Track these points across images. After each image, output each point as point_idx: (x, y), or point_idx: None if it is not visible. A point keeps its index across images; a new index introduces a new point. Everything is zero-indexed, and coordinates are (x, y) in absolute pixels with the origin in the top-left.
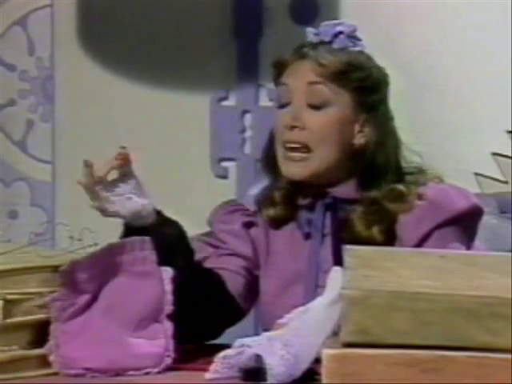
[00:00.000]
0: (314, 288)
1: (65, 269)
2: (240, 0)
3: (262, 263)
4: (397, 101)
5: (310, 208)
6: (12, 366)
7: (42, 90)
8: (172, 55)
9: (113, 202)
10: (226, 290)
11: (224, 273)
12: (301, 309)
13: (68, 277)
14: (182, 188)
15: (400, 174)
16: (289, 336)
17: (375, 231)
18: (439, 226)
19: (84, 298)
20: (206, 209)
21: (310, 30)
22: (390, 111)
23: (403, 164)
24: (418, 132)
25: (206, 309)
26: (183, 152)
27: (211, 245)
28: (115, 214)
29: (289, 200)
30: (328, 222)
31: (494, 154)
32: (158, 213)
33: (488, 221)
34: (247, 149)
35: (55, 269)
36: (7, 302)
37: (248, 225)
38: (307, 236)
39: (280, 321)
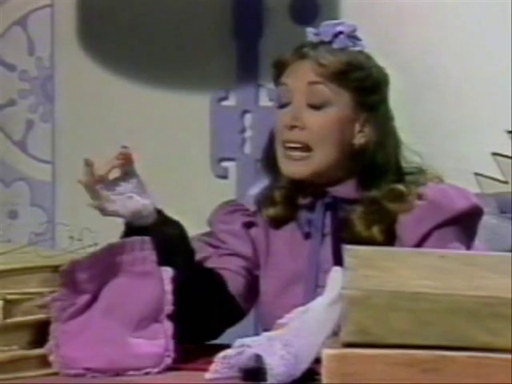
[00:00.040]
0: (314, 288)
1: (65, 269)
2: (240, 0)
3: (262, 263)
4: (397, 101)
5: (310, 208)
6: (12, 366)
7: (42, 90)
8: (172, 55)
9: (113, 201)
10: (226, 290)
11: (224, 273)
12: (301, 309)
13: (68, 277)
14: (182, 188)
15: (400, 174)
16: (289, 336)
17: (375, 231)
18: (439, 226)
19: (84, 298)
20: (206, 209)
21: (310, 30)
22: (390, 111)
23: (403, 164)
24: (417, 132)
25: (206, 309)
26: (183, 152)
27: (211, 245)
28: (115, 214)
29: (289, 200)
30: (328, 221)
31: (494, 153)
32: (159, 212)
33: (488, 221)
34: (247, 149)
35: (55, 269)
36: (7, 301)
37: (248, 225)
38: (307, 236)
39: (280, 321)
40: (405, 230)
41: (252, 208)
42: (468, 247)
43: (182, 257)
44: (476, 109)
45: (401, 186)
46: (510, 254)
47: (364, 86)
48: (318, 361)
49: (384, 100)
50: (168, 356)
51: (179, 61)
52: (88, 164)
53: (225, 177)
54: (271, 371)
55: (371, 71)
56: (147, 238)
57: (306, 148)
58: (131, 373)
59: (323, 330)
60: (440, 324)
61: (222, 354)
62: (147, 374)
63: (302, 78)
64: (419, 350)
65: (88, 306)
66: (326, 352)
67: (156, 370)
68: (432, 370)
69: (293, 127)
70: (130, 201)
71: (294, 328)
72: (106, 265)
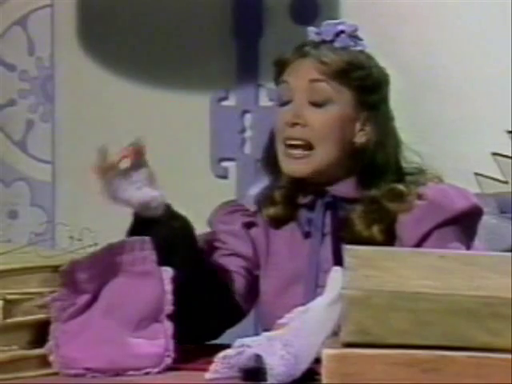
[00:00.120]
0: (314, 288)
1: (65, 269)
2: (240, 0)
3: (262, 263)
4: (397, 101)
5: (310, 207)
6: (12, 366)
7: (42, 90)
8: (172, 55)
9: (124, 190)
10: (226, 290)
11: (224, 273)
12: (301, 309)
13: (68, 277)
14: (182, 188)
15: (400, 174)
16: (289, 336)
17: (375, 231)
18: (439, 226)
19: (84, 298)
20: (206, 209)
21: (311, 29)
22: (391, 111)
23: (403, 164)
24: (418, 132)
25: (206, 309)
26: (183, 152)
27: (211, 245)
28: (124, 202)
29: (289, 199)
30: (328, 221)
31: (494, 153)
32: (168, 206)
33: (488, 221)
34: (247, 149)
35: (55, 269)
36: (7, 301)
37: (248, 225)
38: (307, 235)
39: (280, 321)
40: (405, 230)
41: (252, 208)
42: (468, 247)
43: (187, 252)
44: (476, 109)
45: (401, 186)
46: (509, 253)
47: (365, 84)
48: (317, 361)
49: (385, 100)
50: (168, 356)
51: (179, 61)
52: (102, 151)
53: (225, 177)
54: (271, 371)
55: (372, 71)
56: (147, 238)
57: (307, 146)
58: (131, 373)
59: (323, 330)
60: (440, 324)
61: (222, 354)
62: (147, 373)
63: (303, 76)
64: (419, 350)
65: (88, 306)
66: (326, 352)
67: (156, 369)
68: (432, 369)
69: (294, 124)
70: (139, 191)
71: (294, 328)
72: (105, 265)
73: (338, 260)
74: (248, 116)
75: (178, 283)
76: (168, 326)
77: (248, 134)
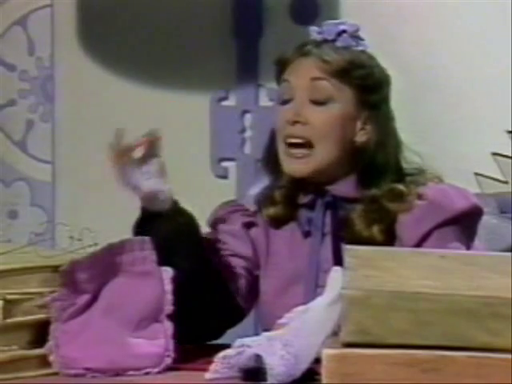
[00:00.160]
0: (314, 288)
1: (65, 269)
2: (240, 0)
3: (262, 263)
4: (397, 101)
5: (310, 207)
6: (12, 366)
7: (42, 90)
8: (172, 55)
9: (134, 178)
10: (227, 291)
11: (225, 273)
12: (301, 308)
13: (68, 277)
14: (182, 188)
15: (400, 174)
16: (289, 336)
17: (375, 230)
18: (439, 226)
19: (84, 298)
20: (206, 209)
21: (313, 28)
22: (392, 111)
23: (404, 165)
24: (418, 132)
25: (207, 309)
26: (183, 152)
27: (211, 245)
28: (133, 190)
29: (289, 199)
30: (328, 220)
31: (494, 153)
32: (175, 202)
33: (488, 221)
34: (247, 149)
35: (55, 269)
36: (7, 301)
37: (248, 225)
38: (307, 234)
39: (280, 321)
40: (405, 230)
41: (252, 208)
42: (468, 247)
43: (191, 248)
44: (476, 109)
45: (401, 186)
46: (509, 253)
47: (366, 83)
48: (317, 361)
49: (385, 100)
50: (168, 356)
51: (179, 61)
52: (118, 134)
53: (225, 177)
54: (271, 371)
55: (373, 70)
56: (147, 238)
57: (308, 145)
58: (131, 373)
59: (323, 330)
60: (440, 324)
61: (221, 354)
62: (147, 373)
63: (304, 74)
64: (419, 350)
65: (88, 306)
66: (326, 352)
67: (156, 370)
68: (432, 369)
69: (295, 122)
70: (147, 181)
71: (294, 328)
72: (105, 265)
73: (338, 260)
74: (248, 116)
75: (179, 283)
76: (168, 326)
77: (248, 133)
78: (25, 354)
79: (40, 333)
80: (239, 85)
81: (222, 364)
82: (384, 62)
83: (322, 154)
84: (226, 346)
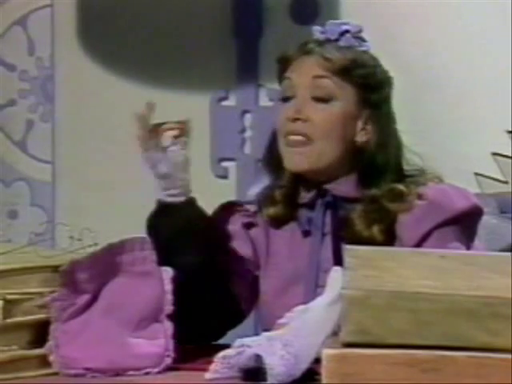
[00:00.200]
0: (314, 288)
1: (65, 269)
2: (240, 0)
3: (262, 263)
4: (397, 101)
5: (310, 206)
6: (12, 366)
7: (42, 90)
8: (172, 55)
9: (157, 161)
10: (228, 291)
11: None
12: (301, 308)
13: (68, 277)
14: None
15: (401, 175)
16: (289, 336)
17: (375, 230)
18: (439, 226)
19: (84, 298)
20: (206, 209)
21: (316, 28)
22: (393, 113)
23: (405, 166)
24: (418, 132)
25: (207, 309)
26: None
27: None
28: (154, 168)
29: (289, 199)
30: (328, 220)
31: (494, 153)
32: (192, 199)
33: (488, 221)
34: (247, 149)
35: (55, 269)
36: (7, 301)
37: (248, 225)
38: (306, 234)
39: (280, 320)
40: (405, 230)
41: (252, 208)
42: (468, 247)
43: (201, 243)
44: (476, 109)
45: (401, 186)
46: (509, 253)
47: (367, 82)
48: (317, 361)
49: (387, 100)
50: (168, 356)
51: (179, 61)
52: (149, 108)
53: (225, 177)
54: (271, 371)
55: (375, 70)
56: (147, 238)
57: (308, 141)
58: (131, 373)
59: (323, 329)
60: (440, 324)
61: (221, 353)
62: (147, 373)
63: (306, 72)
64: (419, 350)
65: (88, 306)
66: (326, 352)
67: (156, 370)
68: (432, 369)
69: (296, 120)
70: (166, 167)
71: (293, 328)
72: (105, 265)
73: (338, 260)
74: (248, 116)
75: (179, 283)
76: (168, 326)
77: (248, 133)
78: (25, 354)
79: (40, 333)
80: (239, 85)
81: (222, 364)
82: (384, 61)
83: (322, 151)
84: (226, 346)
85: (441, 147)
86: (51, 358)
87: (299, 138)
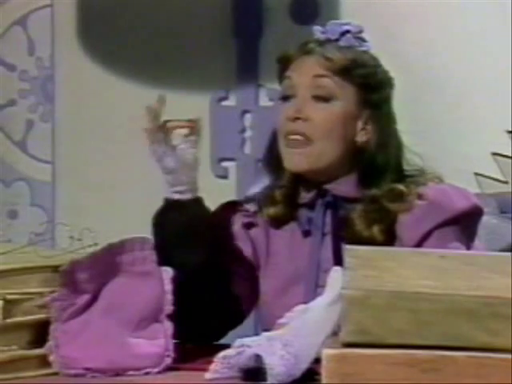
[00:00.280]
0: (315, 288)
1: (65, 269)
2: (240, 0)
3: (262, 264)
4: (397, 101)
5: (311, 206)
6: (12, 366)
7: (42, 90)
8: (172, 55)
9: (164, 155)
10: (228, 291)
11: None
12: (301, 308)
13: (68, 277)
14: None
15: (401, 175)
16: (289, 336)
17: (375, 230)
18: (439, 226)
19: (84, 298)
20: None
21: (316, 28)
22: (394, 114)
23: (405, 167)
24: (418, 132)
25: (208, 309)
26: None
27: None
28: (159, 162)
29: (289, 199)
30: (328, 220)
31: (494, 153)
32: (199, 198)
33: (488, 221)
34: (247, 149)
35: (55, 269)
36: (7, 302)
37: (248, 225)
38: (307, 233)
39: (280, 320)
40: (405, 230)
41: (252, 208)
42: (468, 247)
43: (207, 241)
44: (476, 109)
45: (401, 186)
46: (509, 253)
47: (368, 82)
48: (317, 361)
49: (387, 100)
50: (168, 356)
51: (179, 61)
52: (161, 99)
53: (225, 177)
54: (271, 371)
55: (376, 70)
56: (147, 238)
57: (308, 141)
58: (131, 373)
59: (323, 329)
60: (440, 324)
61: (221, 354)
62: (147, 373)
63: (307, 72)
64: (419, 350)
65: (88, 306)
66: (326, 352)
67: (156, 369)
68: (432, 370)
69: (296, 119)
70: (173, 162)
71: (293, 328)
72: (105, 265)
73: (339, 260)
74: (248, 116)
75: (179, 283)
76: (168, 326)
77: (248, 133)
78: (25, 354)
79: (40, 333)
80: (239, 85)
81: (222, 364)
82: (384, 61)
83: (322, 150)
84: (226, 346)
85: (441, 147)
86: (51, 358)
87: (299, 137)
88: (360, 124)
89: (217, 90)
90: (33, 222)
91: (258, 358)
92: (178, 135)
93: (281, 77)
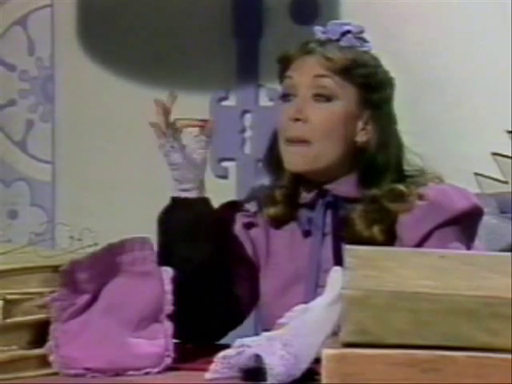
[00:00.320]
0: (315, 288)
1: (65, 269)
2: (240, 0)
3: (263, 264)
4: (398, 101)
5: (311, 206)
6: (12, 366)
7: (42, 90)
8: (172, 55)
9: (173, 151)
10: (228, 292)
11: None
12: (301, 308)
13: (68, 277)
14: None
15: (401, 176)
16: (288, 336)
17: (375, 231)
18: (439, 226)
19: (84, 298)
20: None
21: (317, 28)
22: (394, 114)
23: (406, 167)
24: (418, 132)
25: (208, 309)
26: None
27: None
28: (166, 156)
29: (290, 199)
30: (328, 220)
31: (494, 153)
32: (206, 198)
33: (488, 221)
34: (247, 149)
35: (55, 269)
36: (7, 301)
37: (248, 225)
38: (307, 233)
39: (280, 320)
40: (405, 230)
41: (252, 208)
42: (468, 247)
43: (207, 239)
44: (476, 109)
45: (401, 186)
46: (509, 253)
47: (368, 82)
48: (317, 361)
49: (388, 101)
50: (168, 356)
51: (179, 61)
52: (172, 96)
53: (225, 177)
54: (271, 371)
55: (376, 70)
56: (147, 238)
57: (308, 142)
58: (131, 373)
59: (323, 329)
60: (440, 324)
61: (221, 353)
62: (147, 373)
63: (307, 72)
64: (419, 350)
65: (88, 306)
66: (326, 352)
67: (156, 369)
68: (432, 369)
69: (296, 120)
70: (177, 155)
71: (293, 328)
72: (105, 265)
73: (339, 260)
74: (248, 116)
75: (180, 282)
76: (168, 326)
77: (248, 133)
78: (25, 354)
79: (40, 333)
80: (239, 85)
81: (222, 364)
82: (384, 61)
83: (321, 151)
84: (226, 346)
85: (441, 147)
86: (51, 358)
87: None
88: (360, 124)
89: (217, 89)
90: (33, 221)
91: (257, 358)
92: (188, 134)
93: (281, 77)
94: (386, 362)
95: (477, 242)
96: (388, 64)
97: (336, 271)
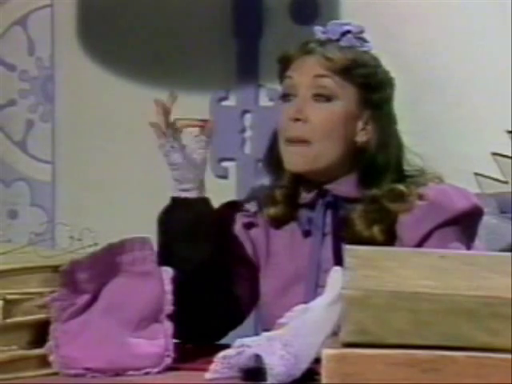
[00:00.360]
0: (315, 288)
1: (65, 269)
2: (240, 0)
3: (263, 264)
4: (398, 101)
5: (311, 206)
6: (12, 366)
7: (42, 90)
8: (172, 55)
9: (173, 151)
10: (228, 292)
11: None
12: (301, 308)
13: (68, 277)
14: None
15: (401, 176)
16: (288, 336)
17: (375, 231)
18: (439, 226)
19: (84, 298)
20: None
21: (317, 28)
22: (394, 114)
23: (406, 167)
24: (418, 132)
25: (208, 309)
26: None
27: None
28: (166, 156)
29: (290, 199)
30: (328, 220)
31: (494, 153)
32: (206, 199)
33: (488, 221)
34: (247, 149)
35: (55, 269)
36: (7, 301)
37: (248, 225)
38: (307, 233)
39: (280, 320)
40: (405, 230)
41: (252, 208)
42: (468, 247)
43: (207, 239)
44: (476, 109)
45: (401, 186)
46: (509, 253)
47: (368, 82)
48: (317, 361)
49: (388, 101)
50: (168, 356)
51: (179, 61)
52: (173, 96)
53: (225, 177)
54: (271, 371)
55: (376, 70)
56: (147, 238)
57: (308, 142)
58: (131, 373)
59: (323, 329)
60: (440, 324)
61: (221, 354)
62: (147, 373)
63: (307, 72)
64: (419, 350)
65: (88, 306)
66: (326, 352)
67: (156, 369)
68: (432, 369)
69: (296, 120)
70: (177, 155)
71: (293, 328)
72: (105, 265)
73: (339, 260)
74: (248, 116)
75: (181, 282)
76: (168, 326)
77: (248, 133)
78: (25, 354)
79: (40, 333)
80: (239, 85)
81: (222, 364)
82: (384, 61)
83: (321, 151)
84: (226, 346)
85: (441, 147)
86: (51, 358)
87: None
88: (360, 124)
89: (217, 89)
90: (33, 222)
91: (257, 358)
92: (189, 134)
93: (281, 77)
94: (386, 361)
95: (477, 242)
96: (388, 64)
97: (336, 271)
